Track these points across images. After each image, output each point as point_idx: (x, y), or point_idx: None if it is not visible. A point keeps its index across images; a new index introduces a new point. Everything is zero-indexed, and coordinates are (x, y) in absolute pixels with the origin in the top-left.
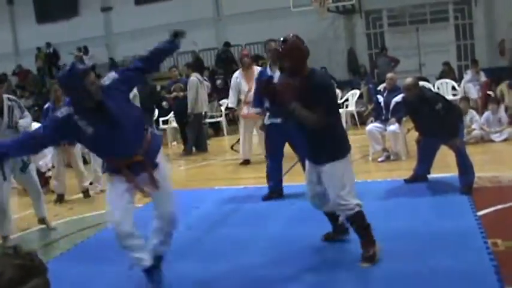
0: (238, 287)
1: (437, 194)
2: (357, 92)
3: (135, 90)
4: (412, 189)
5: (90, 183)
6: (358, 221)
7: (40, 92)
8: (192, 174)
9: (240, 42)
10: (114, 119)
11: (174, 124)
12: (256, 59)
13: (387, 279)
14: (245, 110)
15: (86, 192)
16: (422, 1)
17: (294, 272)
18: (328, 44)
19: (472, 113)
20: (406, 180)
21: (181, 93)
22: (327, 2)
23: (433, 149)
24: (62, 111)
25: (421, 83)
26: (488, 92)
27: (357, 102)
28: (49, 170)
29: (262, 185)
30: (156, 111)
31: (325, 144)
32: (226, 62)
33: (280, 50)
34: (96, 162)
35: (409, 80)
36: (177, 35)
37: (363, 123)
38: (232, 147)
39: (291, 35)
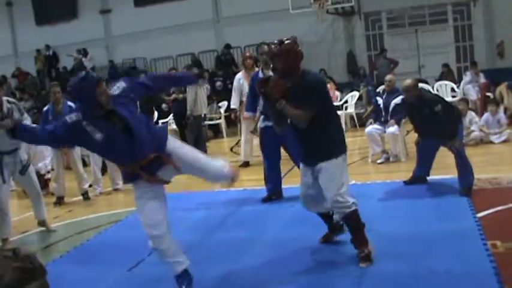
0: None
1: (436, 196)
2: (356, 94)
3: None
4: (412, 191)
5: (90, 186)
6: (354, 219)
7: (39, 95)
8: (191, 176)
9: (239, 44)
10: (127, 125)
11: (174, 126)
12: (258, 61)
13: (386, 281)
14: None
15: (85, 195)
16: (421, 3)
17: (293, 274)
18: (328, 46)
19: (471, 114)
20: (405, 182)
21: (181, 96)
22: (326, 4)
23: (433, 150)
24: (71, 117)
25: (421, 84)
26: (488, 94)
27: (356, 104)
28: (48, 172)
29: (262, 187)
30: (156, 114)
31: (321, 143)
32: (226, 64)
33: (275, 51)
34: (96, 164)
35: (408, 81)
36: (198, 75)
37: (362, 125)
38: (231, 149)
39: (289, 37)
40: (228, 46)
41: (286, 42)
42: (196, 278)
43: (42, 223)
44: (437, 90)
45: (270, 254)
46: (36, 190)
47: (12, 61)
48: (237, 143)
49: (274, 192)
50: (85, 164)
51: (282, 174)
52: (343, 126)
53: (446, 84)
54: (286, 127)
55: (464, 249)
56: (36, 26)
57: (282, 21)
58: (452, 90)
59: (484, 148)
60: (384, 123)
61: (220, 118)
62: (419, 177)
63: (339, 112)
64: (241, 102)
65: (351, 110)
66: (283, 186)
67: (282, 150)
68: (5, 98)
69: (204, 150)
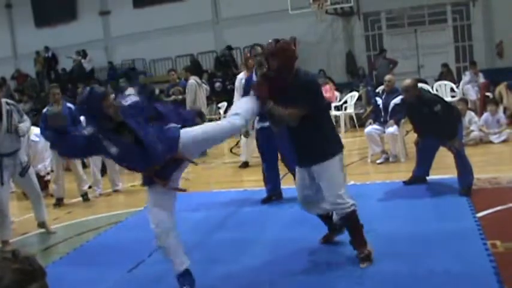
0: None
1: (436, 196)
2: (356, 94)
3: None
4: (411, 191)
5: (89, 187)
6: (353, 220)
7: (39, 96)
8: (191, 178)
9: (238, 45)
10: (137, 137)
11: None
12: None
13: (386, 281)
14: None
15: (85, 196)
16: (421, 3)
17: (293, 274)
18: (327, 46)
19: (471, 114)
20: (405, 182)
21: (180, 96)
22: (325, 4)
23: (432, 150)
24: (88, 130)
25: (420, 84)
26: (487, 94)
27: (355, 104)
28: (48, 173)
29: (262, 187)
30: None
31: (316, 143)
32: (226, 65)
33: (271, 49)
34: (95, 166)
35: (407, 81)
36: (200, 116)
37: (362, 125)
38: (231, 150)
39: (290, 37)
40: (229, 47)
41: (281, 41)
42: (197, 278)
43: (42, 224)
44: (436, 90)
45: (270, 255)
46: (36, 192)
47: (11, 63)
48: (236, 144)
49: (273, 193)
50: (84, 166)
51: (281, 175)
52: (343, 126)
53: (445, 84)
54: (282, 126)
55: (464, 249)
56: (36, 28)
57: (281, 21)
58: (452, 90)
59: (484, 148)
60: (384, 124)
61: (219, 119)
62: (418, 177)
63: (338, 112)
64: None
65: (350, 110)
66: (283, 186)
67: None
68: (4, 100)
69: (203, 151)
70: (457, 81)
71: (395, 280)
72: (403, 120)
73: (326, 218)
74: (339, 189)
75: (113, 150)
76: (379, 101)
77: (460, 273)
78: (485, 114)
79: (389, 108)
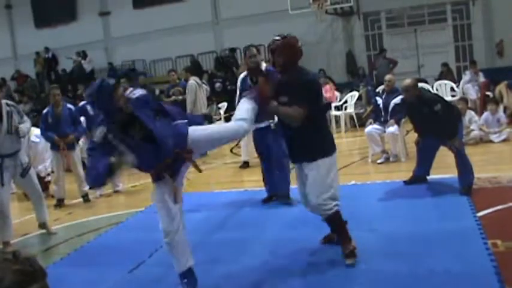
0: None
1: (436, 195)
2: (356, 94)
3: None
4: (412, 191)
5: (90, 188)
6: (337, 220)
7: (39, 97)
8: (191, 178)
9: (238, 45)
10: (147, 132)
11: None
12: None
13: (386, 281)
14: None
15: (85, 197)
16: (420, 2)
17: (293, 274)
18: (327, 46)
19: (471, 113)
20: (405, 182)
21: (180, 97)
22: (325, 4)
23: (432, 150)
24: (98, 135)
25: (420, 84)
26: (487, 93)
27: (355, 104)
28: (48, 174)
29: (262, 188)
30: None
31: (309, 142)
32: (228, 66)
33: (278, 44)
34: None
35: (407, 81)
36: (207, 118)
37: (362, 125)
38: (231, 150)
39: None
40: (232, 50)
41: (289, 36)
42: (197, 278)
43: (43, 225)
44: (436, 90)
45: (271, 255)
46: (37, 192)
47: (11, 64)
48: (237, 144)
49: (274, 193)
50: (85, 166)
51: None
52: (343, 126)
53: (445, 84)
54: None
55: (465, 248)
56: (36, 29)
57: (281, 22)
58: (452, 89)
59: (484, 147)
60: (384, 123)
61: (220, 119)
62: (419, 176)
63: (338, 112)
64: None
65: (351, 110)
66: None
67: None
68: (4, 101)
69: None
70: (457, 81)
71: (396, 280)
72: (403, 120)
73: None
74: (323, 192)
75: (124, 149)
76: (379, 100)
77: (461, 273)
78: (486, 114)
79: (390, 108)
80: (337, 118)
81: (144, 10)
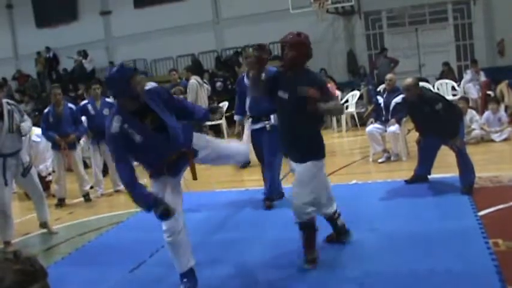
0: None
1: (438, 195)
2: (357, 93)
3: None
4: (413, 190)
5: (91, 187)
6: (309, 226)
7: (40, 97)
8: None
9: (239, 44)
10: (159, 123)
11: None
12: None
13: (387, 280)
14: None
15: (86, 196)
16: (422, 2)
17: (293, 274)
18: (328, 45)
19: (472, 112)
20: (406, 181)
21: (181, 96)
22: (326, 3)
23: (434, 149)
24: (114, 126)
25: (421, 83)
26: (488, 92)
27: (356, 103)
28: (49, 174)
29: (263, 187)
30: None
31: (302, 142)
32: (229, 64)
33: (293, 39)
34: (97, 166)
35: (408, 80)
36: (214, 111)
37: (363, 124)
38: None
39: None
40: (236, 54)
41: (303, 35)
42: (198, 278)
43: (44, 225)
44: (437, 89)
45: (271, 255)
46: (38, 192)
47: (12, 63)
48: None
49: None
50: (86, 166)
51: (281, 176)
52: (344, 125)
53: (446, 83)
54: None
55: (466, 247)
56: (37, 28)
57: (282, 21)
58: (453, 88)
59: (485, 146)
60: (385, 123)
61: (221, 118)
62: (420, 176)
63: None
64: None
65: (352, 109)
66: (284, 186)
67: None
68: (4, 100)
69: None
70: (458, 80)
71: (396, 279)
72: (404, 119)
73: (330, 220)
74: (305, 197)
75: (138, 138)
76: (381, 99)
77: (462, 272)
78: (487, 113)
79: (391, 107)
80: (338, 117)
81: (145, 9)
